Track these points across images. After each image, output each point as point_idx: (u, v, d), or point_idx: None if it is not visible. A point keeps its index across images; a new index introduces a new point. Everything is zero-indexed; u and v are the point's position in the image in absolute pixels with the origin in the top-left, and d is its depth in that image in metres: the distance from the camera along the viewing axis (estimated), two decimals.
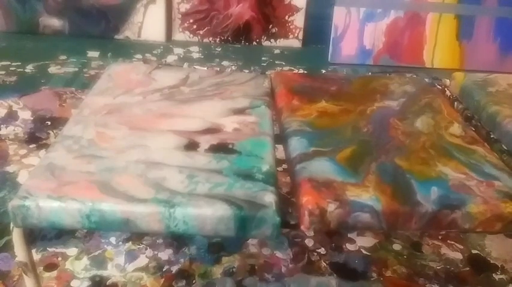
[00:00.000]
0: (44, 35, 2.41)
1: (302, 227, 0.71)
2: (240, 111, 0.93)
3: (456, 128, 0.93)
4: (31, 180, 0.70)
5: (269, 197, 0.70)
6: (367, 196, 0.71)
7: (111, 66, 1.10)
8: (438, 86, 1.20)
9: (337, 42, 2.35)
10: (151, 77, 1.04)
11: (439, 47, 2.38)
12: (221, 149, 0.81)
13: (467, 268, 1.21)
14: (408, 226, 0.72)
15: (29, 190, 0.68)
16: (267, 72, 1.15)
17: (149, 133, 0.84)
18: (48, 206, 0.66)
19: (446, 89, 1.19)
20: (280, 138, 0.92)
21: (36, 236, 1.19)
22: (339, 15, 2.32)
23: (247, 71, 2.00)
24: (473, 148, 0.87)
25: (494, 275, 1.20)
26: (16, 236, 0.72)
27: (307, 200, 0.70)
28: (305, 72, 2.20)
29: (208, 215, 0.67)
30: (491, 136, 0.99)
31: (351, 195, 0.71)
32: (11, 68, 2.07)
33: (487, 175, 0.79)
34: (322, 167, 0.77)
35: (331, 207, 0.69)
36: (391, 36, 2.36)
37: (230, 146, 0.82)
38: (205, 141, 0.82)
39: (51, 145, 0.80)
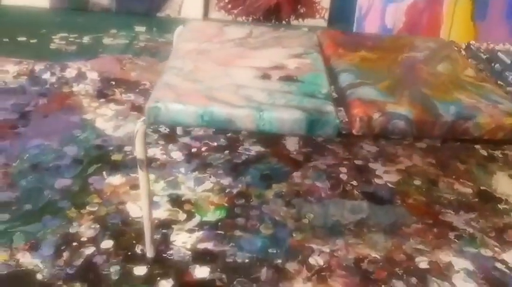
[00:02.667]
0: (92, 11, 2.67)
1: (353, 131, 0.95)
2: (297, 56, 1.17)
3: (470, 71, 1.17)
4: (156, 91, 0.96)
5: (330, 108, 0.95)
6: (402, 109, 0.96)
7: (188, 23, 1.35)
8: (455, 48, 1.44)
9: (361, 21, 2.58)
10: (223, 31, 1.29)
11: (455, 27, 2.60)
12: (288, 79, 1.06)
13: (476, 199, 1.45)
14: (432, 133, 0.96)
15: (157, 98, 0.93)
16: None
17: (232, 68, 1.09)
18: (174, 108, 0.91)
19: (461, 49, 1.43)
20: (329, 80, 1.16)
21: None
22: None
23: None
24: (483, 84, 1.11)
25: (498, 205, 1.44)
26: (139, 137, 0.97)
27: (358, 110, 0.95)
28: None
29: (286, 118, 0.92)
30: (499, 82, 1.22)
31: (390, 108, 0.96)
32: (69, 39, 2.33)
33: (494, 100, 1.03)
34: (368, 92, 1.02)
35: (376, 115, 0.94)
36: (411, 16, 2.58)
37: (295, 78, 1.06)
38: (276, 74, 1.07)
39: (163, 72, 1.05)
